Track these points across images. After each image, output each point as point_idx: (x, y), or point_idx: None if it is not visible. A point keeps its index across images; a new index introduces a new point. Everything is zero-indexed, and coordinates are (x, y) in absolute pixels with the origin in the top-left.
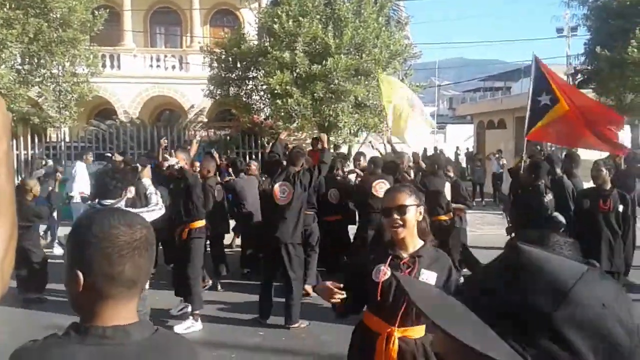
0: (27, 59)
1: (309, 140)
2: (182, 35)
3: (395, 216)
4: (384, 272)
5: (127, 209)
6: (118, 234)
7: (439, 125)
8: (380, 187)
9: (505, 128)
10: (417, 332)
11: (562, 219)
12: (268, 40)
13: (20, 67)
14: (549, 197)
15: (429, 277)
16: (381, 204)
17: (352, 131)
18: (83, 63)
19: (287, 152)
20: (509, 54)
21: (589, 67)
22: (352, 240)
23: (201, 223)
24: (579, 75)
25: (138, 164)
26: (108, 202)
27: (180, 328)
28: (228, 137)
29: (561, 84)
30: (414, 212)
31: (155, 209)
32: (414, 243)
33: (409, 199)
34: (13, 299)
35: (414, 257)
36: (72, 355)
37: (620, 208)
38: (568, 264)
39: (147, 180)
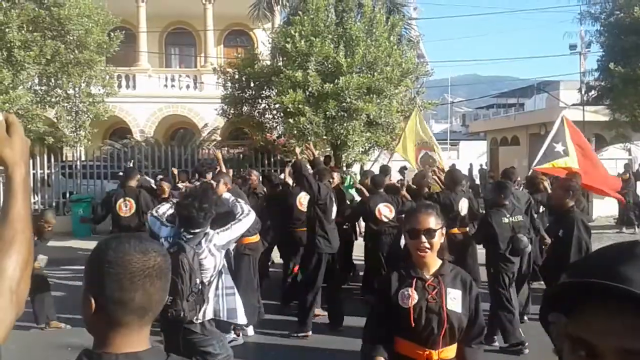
0: (44, 80)
1: (322, 159)
2: (196, 55)
3: (423, 239)
4: (412, 296)
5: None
6: (131, 260)
7: (452, 142)
8: (384, 212)
9: (518, 145)
10: (451, 351)
11: (524, 239)
12: (281, 59)
13: (37, 88)
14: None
15: (455, 295)
16: (406, 224)
17: (364, 149)
18: (99, 84)
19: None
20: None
21: (602, 84)
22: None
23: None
24: (593, 92)
25: (213, 181)
26: (196, 231)
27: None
28: (241, 156)
29: (580, 144)
30: (440, 235)
31: (244, 218)
32: (435, 262)
33: (436, 222)
34: (24, 317)
35: (436, 276)
36: None
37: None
38: None
39: (226, 194)
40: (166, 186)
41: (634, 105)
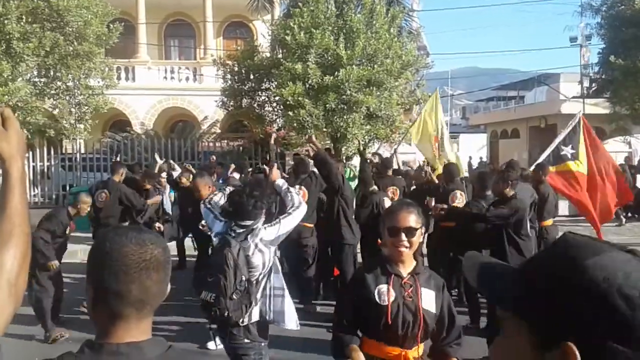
0: (43, 72)
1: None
2: (195, 47)
3: (403, 237)
4: (390, 293)
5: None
6: (127, 252)
7: (451, 135)
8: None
9: (518, 137)
10: (420, 351)
11: None
12: (280, 52)
13: (36, 80)
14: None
15: (429, 295)
16: (387, 221)
17: (364, 142)
18: (98, 76)
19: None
20: (523, 63)
21: (603, 76)
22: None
23: None
24: (593, 85)
25: (264, 166)
26: (247, 223)
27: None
28: (241, 148)
29: (592, 146)
30: (419, 234)
31: (295, 211)
32: (411, 261)
33: (416, 221)
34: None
35: (412, 275)
36: None
37: None
38: None
39: (280, 180)
40: (185, 179)
41: (634, 98)
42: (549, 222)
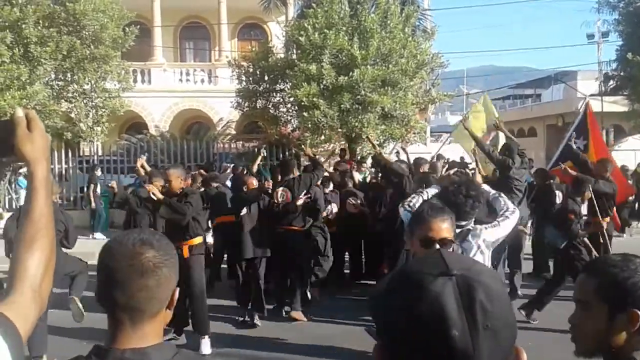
0: (61, 76)
1: (335, 152)
2: (210, 49)
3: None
4: None
5: None
6: (113, 257)
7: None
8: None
9: (535, 136)
10: None
11: None
12: (295, 52)
13: (54, 84)
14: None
15: None
16: (417, 230)
17: (378, 142)
18: (114, 79)
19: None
20: (539, 61)
21: (621, 74)
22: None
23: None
24: (611, 82)
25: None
26: (462, 223)
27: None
28: (256, 149)
29: (598, 137)
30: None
31: (512, 215)
32: None
33: (451, 231)
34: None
35: None
36: None
37: None
38: None
39: (485, 185)
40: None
41: None
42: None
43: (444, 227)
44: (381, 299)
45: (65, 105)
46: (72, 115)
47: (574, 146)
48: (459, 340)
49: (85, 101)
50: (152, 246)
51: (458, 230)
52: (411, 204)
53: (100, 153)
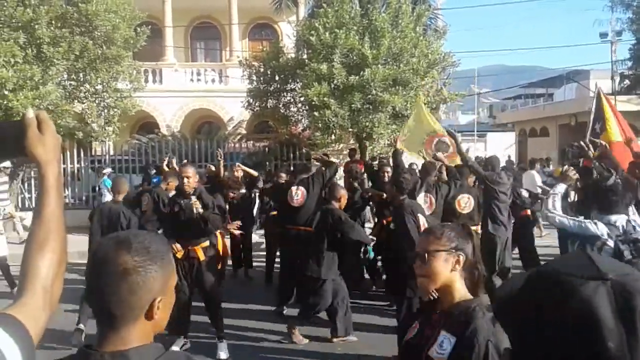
0: (73, 76)
1: (346, 152)
2: (221, 49)
3: (417, 263)
4: (413, 329)
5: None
6: (94, 262)
7: (479, 134)
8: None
9: (548, 136)
10: None
11: None
12: (306, 52)
13: (66, 84)
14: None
15: (445, 342)
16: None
17: (389, 142)
18: (126, 79)
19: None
20: (551, 60)
21: (635, 72)
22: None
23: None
24: (625, 81)
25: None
26: (613, 217)
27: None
28: (267, 149)
29: (616, 116)
30: (441, 261)
31: None
32: (445, 296)
33: (437, 244)
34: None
35: (442, 313)
36: None
37: None
38: None
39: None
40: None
41: None
42: None
43: (426, 240)
44: (514, 301)
45: (77, 106)
46: (84, 115)
47: (596, 130)
48: (615, 353)
49: (97, 101)
50: (128, 250)
51: (620, 224)
52: (553, 207)
53: (111, 153)
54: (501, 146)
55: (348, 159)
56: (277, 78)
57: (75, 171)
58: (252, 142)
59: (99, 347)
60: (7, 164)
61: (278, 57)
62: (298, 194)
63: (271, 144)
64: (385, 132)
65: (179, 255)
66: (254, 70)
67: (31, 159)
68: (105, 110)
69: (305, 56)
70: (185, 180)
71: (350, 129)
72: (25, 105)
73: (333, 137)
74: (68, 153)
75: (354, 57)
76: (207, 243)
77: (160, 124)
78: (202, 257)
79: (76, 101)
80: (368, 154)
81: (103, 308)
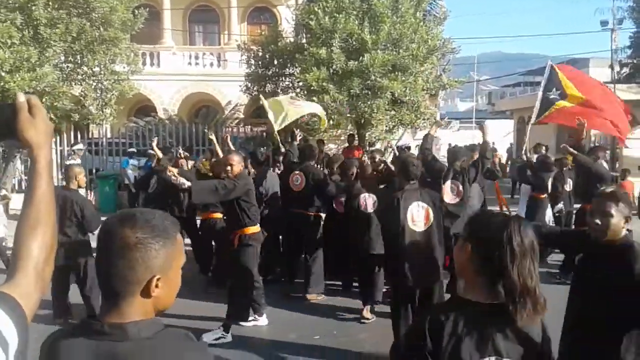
0: (70, 58)
1: (343, 138)
2: (219, 33)
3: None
4: None
5: None
6: (100, 235)
7: (477, 121)
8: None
9: (546, 123)
10: None
11: None
12: (304, 36)
13: (63, 66)
14: None
15: None
16: None
17: (388, 128)
18: (124, 61)
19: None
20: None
21: (634, 61)
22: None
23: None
24: (625, 69)
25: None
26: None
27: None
28: (264, 134)
29: (578, 81)
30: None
31: None
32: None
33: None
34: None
35: None
36: (73, 347)
37: None
38: None
39: None
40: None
41: None
42: None
43: None
44: None
45: (74, 88)
46: (81, 97)
47: (551, 97)
48: None
49: (94, 83)
50: (131, 226)
51: None
52: None
53: (108, 135)
54: (500, 133)
55: (346, 144)
56: (275, 62)
57: (72, 154)
58: (249, 126)
59: (100, 317)
60: None
61: (277, 41)
62: (298, 179)
63: (269, 129)
64: (384, 118)
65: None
66: (253, 54)
67: (22, 142)
68: (103, 93)
69: (304, 40)
70: (229, 168)
71: (349, 115)
72: (22, 87)
73: (331, 122)
74: (65, 135)
75: (353, 42)
76: (246, 230)
77: (158, 108)
78: (235, 243)
79: (73, 83)
80: (366, 140)
81: (106, 282)
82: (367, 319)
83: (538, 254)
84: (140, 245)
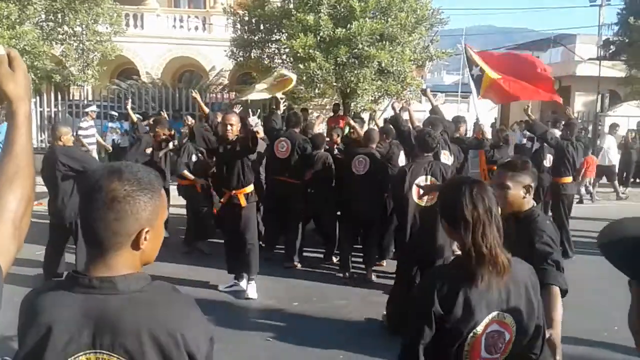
0: (51, 16)
1: (329, 107)
2: None
3: None
4: None
5: None
6: (85, 188)
7: (462, 95)
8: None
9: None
10: None
11: None
12: (292, 1)
13: (43, 24)
14: None
15: None
16: None
17: (373, 98)
18: (106, 22)
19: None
20: (538, 22)
21: (621, 38)
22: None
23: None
24: (611, 47)
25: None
26: None
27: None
28: (249, 101)
29: (488, 58)
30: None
31: None
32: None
33: None
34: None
35: None
36: (60, 301)
37: None
38: None
39: None
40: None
41: None
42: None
43: None
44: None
45: (55, 48)
46: (62, 58)
47: (475, 75)
48: None
49: (75, 44)
50: (119, 178)
51: None
52: None
53: (90, 98)
54: (484, 108)
55: (332, 114)
56: (262, 28)
57: (53, 115)
58: (234, 92)
59: (86, 272)
60: None
61: (264, 5)
62: (283, 145)
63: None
64: (370, 88)
65: (223, 200)
66: (239, 19)
67: (2, 96)
68: (84, 54)
69: (291, 5)
70: (229, 127)
71: (335, 84)
72: (1, 45)
73: (317, 91)
74: (45, 96)
75: (342, 9)
76: (250, 188)
77: (141, 71)
78: (243, 202)
79: (54, 43)
80: (351, 110)
81: (92, 234)
82: (371, 280)
83: (497, 217)
84: (129, 198)
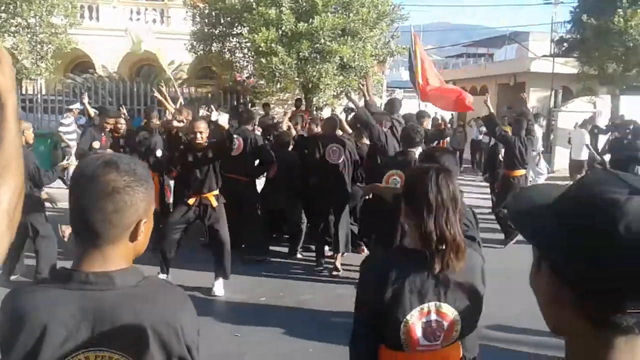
0: (3, 7)
1: (290, 102)
2: None
3: None
4: None
5: None
6: (80, 179)
7: None
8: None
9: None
10: None
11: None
12: None
13: None
14: None
15: None
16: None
17: (335, 93)
18: (61, 13)
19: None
20: (494, 20)
21: (574, 36)
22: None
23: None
24: (564, 44)
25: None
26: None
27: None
28: (209, 95)
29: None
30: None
31: None
32: None
33: None
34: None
35: None
36: (55, 298)
37: None
38: None
39: None
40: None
41: (603, 59)
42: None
43: None
44: (548, 220)
45: (7, 40)
46: (14, 50)
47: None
48: None
49: (29, 36)
50: (116, 169)
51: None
52: None
53: (43, 92)
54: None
55: (294, 108)
56: (222, 21)
57: None
58: (194, 87)
59: (80, 266)
60: None
61: None
62: (235, 143)
63: (214, 90)
64: (332, 83)
65: (191, 202)
66: (199, 12)
67: None
68: (38, 46)
69: None
70: (198, 135)
71: (297, 79)
72: None
73: (279, 85)
74: None
75: (304, 4)
76: (217, 192)
77: (96, 64)
78: (214, 203)
79: (6, 35)
80: (314, 105)
81: (87, 226)
82: (338, 270)
83: (459, 204)
84: (128, 189)
